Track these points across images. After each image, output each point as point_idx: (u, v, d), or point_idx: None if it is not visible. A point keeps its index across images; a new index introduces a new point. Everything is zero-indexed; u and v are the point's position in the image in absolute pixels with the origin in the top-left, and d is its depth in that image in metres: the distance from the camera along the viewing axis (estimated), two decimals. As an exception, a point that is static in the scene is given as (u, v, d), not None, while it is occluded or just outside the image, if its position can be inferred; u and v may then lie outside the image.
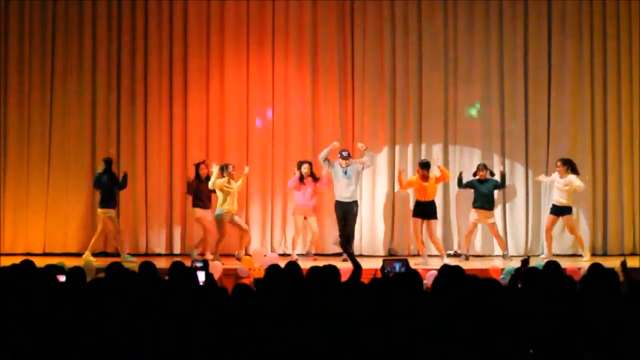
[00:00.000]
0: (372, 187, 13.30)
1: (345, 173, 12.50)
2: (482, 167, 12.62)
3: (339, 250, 12.81)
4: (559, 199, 12.32)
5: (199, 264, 7.96)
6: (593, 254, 12.96)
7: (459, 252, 12.71)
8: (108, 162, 12.45)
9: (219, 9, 13.39)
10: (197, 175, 12.53)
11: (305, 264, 7.28)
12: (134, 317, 5.16)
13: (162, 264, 9.07)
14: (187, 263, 7.31)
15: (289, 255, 12.55)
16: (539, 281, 5.99)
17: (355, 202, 12.63)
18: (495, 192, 12.67)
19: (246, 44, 13.36)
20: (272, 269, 6.49)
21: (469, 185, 12.59)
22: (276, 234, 13.42)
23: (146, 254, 12.98)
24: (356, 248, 12.75)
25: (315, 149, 13.27)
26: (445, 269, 6.16)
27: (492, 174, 12.66)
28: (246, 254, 12.36)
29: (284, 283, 6.08)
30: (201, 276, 7.27)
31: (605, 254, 13.10)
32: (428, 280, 9.50)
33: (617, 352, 4.70)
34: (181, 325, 5.04)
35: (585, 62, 13.25)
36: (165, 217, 13.33)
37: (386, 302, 5.19)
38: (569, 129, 13.27)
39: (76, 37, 13.29)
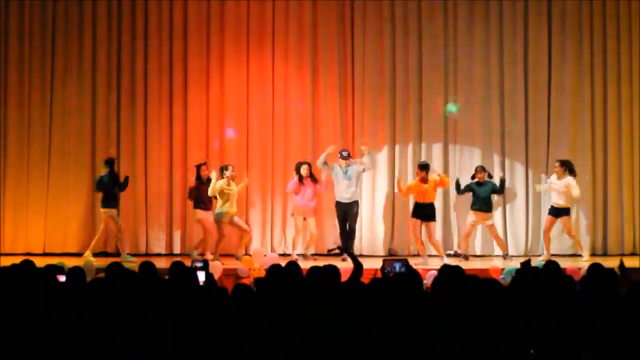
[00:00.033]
0: (372, 187, 13.30)
1: (345, 174, 12.51)
2: (481, 169, 12.61)
3: (334, 247, 12.82)
4: (557, 200, 12.31)
5: (199, 264, 7.97)
6: (593, 254, 12.97)
7: (459, 252, 12.71)
8: (110, 162, 12.44)
9: (219, 9, 13.39)
10: (199, 176, 12.53)
11: (305, 264, 7.29)
12: (134, 317, 5.15)
13: (162, 264, 9.07)
14: (187, 263, 7.32)
15: (289, 255, 12.55)
16: (538, 281, 5.99)
17: (355, 202, 12.64)
18: (494, 195, 12.66)
19: (246, 44, 13.36)
20: (274, 268, 6.49)
21: (468, 189, 12.59)
22: (276, 234, 13.42)
23: (146, 254, 12.98)
24: (356, 248, 12.75)
25: (315, 148, 13.27)
26: (445, 269, 6.16)
27: (490, 176, 12.65)
28: (246, 253, 12.37)
29: (285, 283, 6.08)
30: (201, 276, 7.27)
31: (605, 254, 13.10)
32: (428, 280, 9.51)
33: (617, 352, 4.70)
34: (181, 325, 5.04)
35: (585, 62, 13.25)
36: (165, 217, 13.33)
37: (386, 302, 5.19)
38: (569, 129, 13.27)
39: (76, 37, 13.29)
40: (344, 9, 13.39)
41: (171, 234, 13.36)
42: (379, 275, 8.00)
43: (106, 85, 13.32)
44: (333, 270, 6.28)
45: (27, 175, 13.26)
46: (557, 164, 12.42)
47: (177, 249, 13.32)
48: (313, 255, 12.77)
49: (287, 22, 13.37)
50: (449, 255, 12.37)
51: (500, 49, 13.34)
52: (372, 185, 13.29)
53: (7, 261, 9.17)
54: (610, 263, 9.55)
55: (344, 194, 12.54)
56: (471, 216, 12.56)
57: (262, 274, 10.80)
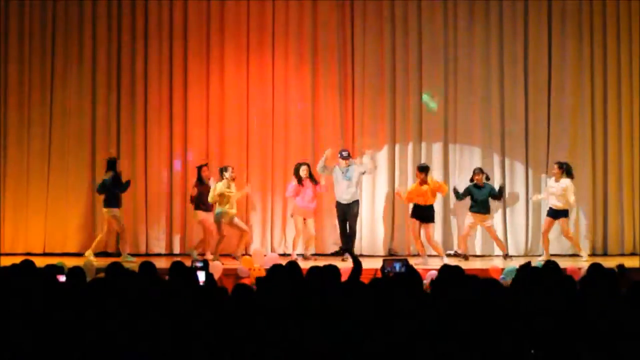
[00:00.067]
0: (372, 187, 13.30)
1: (345, 175, 12.51)
2: (479, 171, 12.61)
3: (336, 249, 12.84)
4: (555, 202, 12.30)
5: (199, 264, 7.96)
6: (593, 254, 12.96)
7: (459, 252, 12.71)
8: (112, 162, 12.43)
9: (219, 9, 13.39)
10: (200, 177, 12.53)
11: (305, 264, 7.29)
12: (134, 317, 5.15)
13: (162, 264, 9.07)
14: (187, 263, 7.31)
15: (289, 255, 12.55)
16: (538, 281, 5.99)
17: (355, 202, 12.65)
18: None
19: (246, 44, 13.36)
20: (275, 268, 6.49)
21: (467, 193, 12.57)
22: (276, 234, 13.42)
23: (146, 254, 12.98)
24: (356, 248, 12.74)
25: (315, 148, 13.28)
26: (445, 269, 6.17)
27: (488, 178, 12.63)
28: (246, 253, 12.37)
29: (286, 283, 6.09)
30: (201, 276, 7.27)
31: (605, 254, 13.09)
32: (428, 280, 9.51)
33: (617, 352, 4.70)
34: (181, 325, 5.04)
35: (585, 62, 13.25)
36: (165, 217, 13.33)
37: (386, 302, 5.19)
38: (569, 129, 13.27)
39: (76, 37, 13.29)
40: (344, 9, 13.39)
41: (171, 234, 13.36)
42: (379, 275, 8.00)
43: (106, 85, 13.32)
44: (333, 270, 6.28)
45: (27, 175, 13.26)
46: (555, 166, 12.42)
47: (177, 249, 13.32)
48: (313, 255, 12.77)
49: (287, 22, 13.37)
50: (449, 255, 12.37)
51: (500, 49, 13.33)
52: (372, 185, 13.29)
53: (7, 261, 9.16)
54: (610, 263, 9.56)
55: (343, 195, 12.55)
56: (469, 218, 12.56)
57: (262, 273, 10.81)
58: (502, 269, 10.81)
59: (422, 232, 12.32)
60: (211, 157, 13.15)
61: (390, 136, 13.37)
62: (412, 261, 9.18)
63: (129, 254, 12.40)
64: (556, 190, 12.25)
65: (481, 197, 12.45)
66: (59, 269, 7.25)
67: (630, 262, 11.59)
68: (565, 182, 12.23)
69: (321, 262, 6.81)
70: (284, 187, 13.05)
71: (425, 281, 7.78)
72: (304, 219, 12.60)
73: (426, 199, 12.20)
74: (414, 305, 5.21)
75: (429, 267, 11.01)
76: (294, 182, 12.55)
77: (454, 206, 13.14)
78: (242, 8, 13.36)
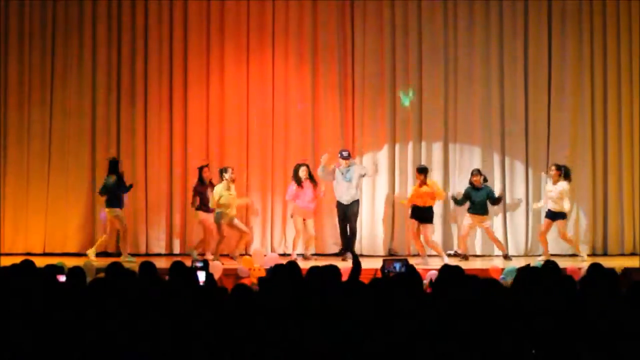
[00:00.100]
0: (372, 187, 13.30)
1: (345, 176, 12.51)
2: (477, 172, 12.61)
3: (337, 249, 12.84)
4: (553, 204, 12.30)
5: (199, 264, 7.97)
6: (593, 254, 12.97)
7: (459, 252, 12.71)
8: (114, 162, 12.43)
9: (219, 9, 13.39)
10: (201, 178, 12.53)
11: (305, 264, 7.28)
12: (134, 317, 5.15)
13: (162, 264, 9.06)
14: (187, 263, 7.31)
15: (289, 255, 12.55)
16: (538, 281, 5.99)
17: (356, 202, 12.66)
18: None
19: (246, 43, 13.36)
20: (278, 268, 6.49)
21: (465, 198, 12.57)
22: (276, 234, 13.41)
23: (146, 254, 12.98)
24: (356, 248, 12.74)
25: (315, 148, 13.28)
26: (445, 269, 6.17)
27: (486, 180, 12.62)
28: (246, 253, 12.37)
29: (287, 283, 6.09)
30: (201, 276, 7.27)
31: (605, 254, 13.09)
32: (428, 280, 9.51)
33: (617, 352, 4.70)
34: (181, 325, 5.04)
35: (585, 62, 13.25)
36: (165, 217, 13.33)
37: (386, 302, 5.19)
38: (569, 128, 13.27)
39: (76, 37, 13.29)
40: (344, 9, 13.39)
41: (171, 234, 13.36)
42: (379, 275, 8.00)
43: (106, 85, 13.32)
44: (333, 270, 6.28)
45: (27, 175, 13.26)
46: (553, 168, 12.41)
47: (177, 249, 13.32)
48: (313, 255, 12.77)
49: (287, 22, 13.37)
50: (449, 255, 12.37)
51: (500, 49, 13.33)
52: (372, 185, 13.28)
53: (7, 261, 9.16)
54: (610, 263, 9.58)
55: (344, 196, 12.56)
56: (467, 219, 12.57)
57: (262, 274, 10.81)
58: (502, 269, 10.81)
59: (421, 232, 12.32)
60: (211, 157, 13.16)
61: (390, 136, 13.37)
62: (412, 261, 9.18)
63: (129, 254, 12.40)
64: (554, 193, 12.25)
65: (479, 199, 12.45)
66: (59, 269, 7.25)
67: (630, 262, 11.62)
68: (562, 185, 12.21)
69: (321, 262, 6.80)
70: (284, 187, 13.04)
71: (425, 281, 7.78)
72: (304, 220, 12.59)
73: (425, 200, 12.19)
74: (414, 305, 5.21)
75: (429, 267, 11.02)
76: (294, 185, 12.53)
77: (454, 207, 13.13)
78: (242, 8, 13.36)
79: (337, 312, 5.08)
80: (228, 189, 12.15)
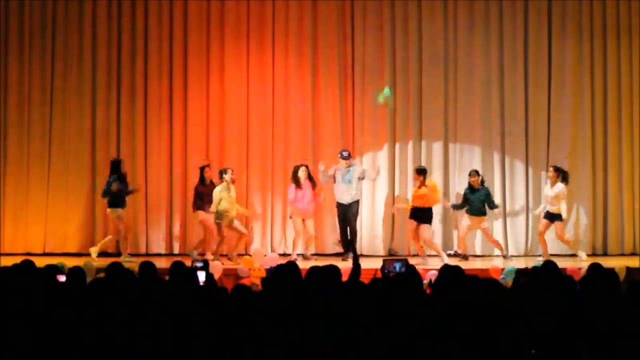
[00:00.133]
0: (372, 187, 13.29)
1: (345, 178, 12.51)
2: (474, 173, 12.60)
3: (339, 250, 12.84)
4: (551, 206, 12.30)
5: (199, 264, 7.97)
6: (593, 254, 12.97)
7: (458, 252, 12.71)
8: (116, 164, 12.43)
9: (219, 8, 13.39)
10: (202, 178, 12.53)
11: (305, 264, 7.28)
12: (134, 317, 5.15)
13: (162, 264, 9.06)
14: (187, 263, 7.31)
15: (289, 255, 12.55)
16: (538, 281, 6.00)
17: (356, 202, 12.66)
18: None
19: (246, 43, 13.36)
20: (279, 268, 6.49)
21: (464, 202, 12.56)
22: (276, 234, 13.42)
23: (146, 254, 12.98)
24: (356, 248, 12.73)
25: (315, 148, 13.29)
26: (445, 269, 6.17)
27: (483, 181, 12.61)
28: (246, 253, 12.37)
29: (289, 283, 6.09)
30: (201, 276, 7.27)
31: (605, 254, 13.09)
32: (427, 281, 9.51)
33: (617, 352, 4.70)
34: (181, 325, 5.04)
35: (585, 62, 13.25)
36: (165, 217, 13.33)
37: (386, 302, 5.19)
38: (569, 128, 13.27)
39: (76, 37, 13.29)
40: (344, 9, 13.39)
41: (171, 234, 13.36)
42: (379, 275, 8.00)
43: (106, 85, 13.31)
44: (333, 270, 6.28)
45: (27, 175, 13.26)
46: (551, 169, 12.41)
47: (177, 249, 13.32)
48: (313, 255, 12.77)
49: (287, 22, 13.37)
50: (449, 255, 12.37)
51: (500, 49, 13.33)
52: (373, 185, 13.28)
53: (7, 261, 9.17)
54: (611, 263, 9.59)
55: (344, 196, 12.57)
56: (466, 220, 12.57)
57: (263, 273, 10.81)
58: (502, 269, 10.82)
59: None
60: (211, 157, 13.15)
61: (390, 136, 13.37)
62: (412, 261, 9.18)
63: (129, 254, 12.40)
64: (551, 195, 12.25)
65: (476, 200, 12.45)
66: (59, 269, 7.25)
67: (630, 262, 11.61)
68: (559, 187, 12.21)
69: (321, 262, 6.80)
70: (284, 187, 13.04)
71: (425, 281, 7.78)
72: (303, 220, 12.59)
73: (424, 201, 12.18)
74: (414, 305, 5.21)
75: (429, 267, 11.02)
76: (293, 186, 12.53)
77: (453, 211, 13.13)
78: (242, 8, 13.36)
79: (338, 312, 5.08)
80: (228, 190, 12.13)
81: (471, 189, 12.52)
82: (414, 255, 12.51)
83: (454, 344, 4.63)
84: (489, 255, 12.99)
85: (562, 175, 12.27)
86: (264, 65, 13.37)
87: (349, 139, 13.32)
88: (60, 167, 13.27)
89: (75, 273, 6.68)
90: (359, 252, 12.40)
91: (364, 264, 7.94)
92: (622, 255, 13.04)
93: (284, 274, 6.33)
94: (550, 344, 4.83)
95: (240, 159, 13.27)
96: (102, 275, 7.08)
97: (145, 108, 13.32)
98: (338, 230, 12.76)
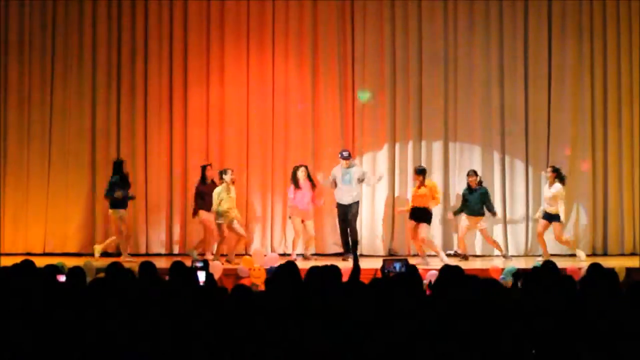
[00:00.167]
0: (372, 187, 13.29)
1: (345, 179, 12.51)
2: (472, 173, 12.60)
3: (339, 250, 12.84)
4: (549, 206, 12.31)
5: (199, 264, 7.97)
6: (593, 254, 12.97)
7: (458, 252, 12.72)
8: (118, 164, 12.43)
9: (219, 8, 13.39)
10: (203, 177, 12.53)
11: (305, 264, 7.28)
12: (134, 317, 5.15)
13: (162, 264, 9.06)
14: (187, 263, 7.31)
15: (289, 255, 12.55)
16: (538, 280, 5.99)
17: (356, 203, 12.65)
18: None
19: (246, 43, 13.36)
20: (279, 269, 6.49)
21: (462, 205, 12.57)
22: (276, 234, 13.42)
23: (146, 254, 12.98)
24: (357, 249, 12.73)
25: (315, 148, 13.29)
26: (445, 269, 6.17)
27: (481, 182, 12.60)
28: (246, 253, 12.37)
29: (289, 283, 6.09)
30: (201, 276, 7.27)
31: (605, 254, 13.09)
32: (428, 281, 9.51)
33: (617, 352, 4.70)
34: (181, 325, 5.04)
35: (585, 62, 13.25)
36: (165, 217, 13.34)
37: (386, 302, 5.19)
38: (569, 128, 13.28)
39: (76, 37, 13.29)
40: (344, 9, 13.39)
41: (171, 234, 13.36)
42: (379, 275, 8.00)
43: (106, 85, 13.32)
44: (333, 270, 6.28)
45: (27, 175, 13.27)
46: (549, 170, 12.43)
47: (177, 249, 13.32)
48: (313, 255, 12.77)
49: (287, 22, 13.37)
50: (448, 255, 12.37)
51: (500, 49, 13.33)
52: (373, 185, 13.27)
53: (7, 261, 9.17)
54: (611, 263, 9.59)
55: (344, 197, 12.56)
56: (464, 220, 12.57)
57: (263, 273, 10.82)
58: (502, 269, 10.82)
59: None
60: (211, 157, 13.15)
61: (390, 136, 13.37)
62: (412, 261, 9.18)
63: (129, 254, 12.40)
64: (549, 195, 12.26)
65: (473, 200, 12.45)
66: (59, 269, 7.25)
67: (630, 262, 11.62)
68: (557, 187, 12.22)
69: (321, 262, 6.80)
70: (284, 187, 13.04)
71: (425, 281, 7.78)
72: (302, 220, 12.58)
73: (424, 201, 12.17)
74: (414, 305, 5.21)
75: (429, 267, 11.02)
76: (292, 186, 12.53)
77: (456, 205, 13.13)
78: (242, 8, 13.36)
79: (338, 312, 5.08)
80: (228, 191, 12.12)
81: (469, 189, 12.53)
82: (414, 255, 12.51)
83: (454, 344, 4.63)
84: (489, 255, 12.99)
85: (559, 175, 12.28)
86: (264, 65, 13.37)
87: (349, 139, 13.32)
88: (60, 167, 13.28)
89: (75, 273, 6.68)
90: (359, 252, 12.44)
91: (364, 264, 7.93)
92: (622, 255, 13.04)
93: (283, 274, 6.32)
94: (550, 344, 4.83)
95: (240, 159, 13.27)
96: (102, 275, 7.09)
97: (145, 108, 13.32)
98: (338, 231, 12.75)
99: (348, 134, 13.37)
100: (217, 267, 10.81)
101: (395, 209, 13.03)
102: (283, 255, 12.65)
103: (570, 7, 13.27)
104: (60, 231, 13.21)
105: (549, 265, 6.65)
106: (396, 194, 13.30)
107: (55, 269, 7.05)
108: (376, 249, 13.22)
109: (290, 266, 6.59)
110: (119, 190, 12.21)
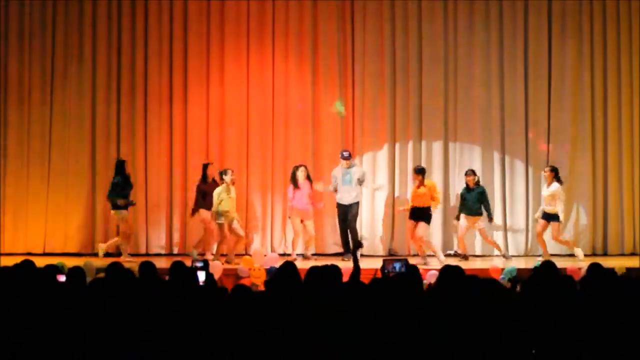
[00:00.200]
0: (372, 188, 13.29)
1: (345, 179, 12.50)
2: (470, 172, 12.60)
3: (339, 250, 12.84)
4: (547, 206, 12.31)
5: (199, 264, 7.97)
6: (593, 254, 12.97)
7: (458, 252, 12.72)
8: (120, 164, 12.44)
9: (219, 9, 13.39)
10: (205, 175, 12.53)
11: (305, 264, 7.28)
12: (134, 317, 5.15)
13: (162, 264, 9.07)
14: (187, 263, 7.31)
15: (289, 255, 12.55)
16: (538, 280, 5.99)
17: (356, 203, 12.65)
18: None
19: (246, 43, 13.36)
20: (280, 268, 6.49)
21: (461, 201, 12.57)
22: (276, 234, 13.42)
23: (146, 254, 12.98)
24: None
25: (315, 148, 13.29)
26: (445, 269, 6.17)
27: (478, 181, 12.59)
28: (246, 253, 12.37)
29: (289, 283, 6.09)
30: (201, 276, 7.27)
31: (605, 254, 13.09)
32: (428, 280, 9.52)
33: (617, 352, 4.70)
34: (181, 325, 5.04)
35: (585, 62, 13.25)
36: (165, 217, 13.33)
37: (386, 302, 5.19)
38: (569, 128, 13.27)
39: (76, 37, 13.29)
40: (344, 9, 13.39)
41: (171, 234, 13.36)
42: (379, 275, 8.00)
43: (106, 85, 13.32)
44: (333, 270, 6.28)
45: (27, 175, 13.26)
46: (547, 169, 12.43)
47: (177, 249, 13.32)
48: (313, 255, 12.76)
49: (287, 22, 13.37)
50: (448, 255, 12.37)
51: (500, 49, 13.33)
52: (371, 187, 13.28)
53: (7, 261, 9.17)
54: (611, 263, 9.59)
55: (344, 198, 12.56)
56: (463, 220, 12.57)
57: (263, 273, 10.81)
58: (502, 269, 10.82)
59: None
60: (211, 157, 13.15)
61: (390, 136, 13.37)
62: (412, 261, 9.18)
63: (129, 254, 12.40)
64: (547, 195, 12.26)
65: (470, 200, 12.45)
66: (59, 269, 7.26)
67: (630, 262, 11.61)
68: (555, 187, 12.22)
69: (321, 262, 6.79)
70: (284, 187, 13.04)
71: (425, 281, 7.78)
72: (302, 220, 12.58)
73: (423, 201, 12.17)
74: (414, 305, 5.21)
75: (429, 267, 11.02)
76: (291, 186, 12.53)
77: (456, 205, 13.13)
78: (242, 8, 13.36)
79: (338, 312, 5.08)
80: (228, 191, 12.12)
81: (467, 188, 12.53)
82: (414, 255, 12.52)
83: (454, 344, 4.63)
84: (489, 255, 12.99)
85: (556, 175, 12.29)
86: (264, 65, 13.36)
87: (349, 139, 13.32)
88: (60, 167, 13.27)
89: (75, 273, 6.68)
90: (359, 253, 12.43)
91: (364, 264, 7.93)
92: (622, 255, 13.05)
93: (283, 274, 6.32)
94: (550, 344, 4.83)
95: (240, 159, 13.27)
96: (102, 275, 7.09)
97: (145, 108, 13.32)
98: (338, 231, 12.75)
99: (348, 134, 13.37)
100: (217, 267, 10.81)
101: (396, 209, 13.03)
102: (283, 255, 12.65)
103: (570, 7, 13.27)
104: (60, 231, 13.21)
105: (548, 266, 6.65)
106: (396, 194, 13.30)
107: (55, 269, 7.06)
108: (376, 249, 13.22)
109: (290, 266, 6.59)
110: (121, 199, 12.22)
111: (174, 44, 13.32)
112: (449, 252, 12.68)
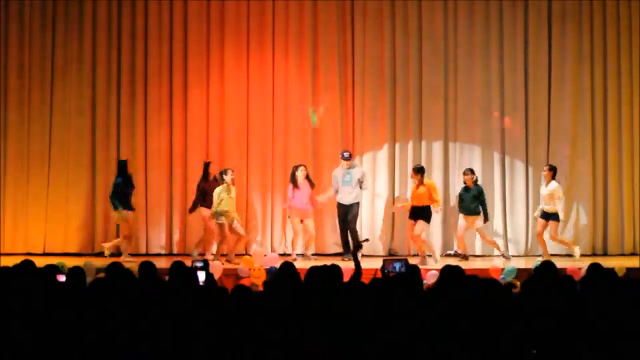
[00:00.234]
0: (372, 187, 13.29)
1: (345, 179, 12.50)
2: (468, 171, 12.60)
3: (339, 250, 12.84)
4: (546, 205, 12.31)
5: (199, 264, 7.98)
6: (593, 254, 12.97)
7: (458, 252, 12.72)
8: (122, 164, 12.44)
9: (219, 9, 13.39)
10: (206, 174, 12.53)
11: (305, 264, 7.28)
12: (134, 317, 5.16)
13: (162, 264, 9.06)
14: (187, 263, 7.31)
15: (289, 255, 12.55)
16: (537, 280, 6.00)
17: (356, 203, 12.65)
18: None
19: (246, 43, 13.36)
20: (280, 268, 6.49)
21: (460, 201, 12.57)
22: (276, 234, 13.41)
23: (146, 254, 12.98)
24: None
25: (315, 148, 13.29)
26: (445, 269, 6.17)
27: (476, 181, 12.59)
28: (246, 253, 12.36)
29: (289, 283, 6.09)
30: (201, 276, 7.28)
31: (605, 254, 13.09)
32: (428, 280, 9.52)
33: (617, 352, 4.70)
34: (181, 325, 5.04)
35: (585, 62, 13.24)
36: (165, 217, 13.33)
37: (386, 302, 5.19)
38: (569, 128, 13.27)
39: (76, 37, 13.29)
40: (344, 9, 13.38)
41: (171, 234, 13.36)
42: (379, 275, 8.00)
43: (106, 85, 13.31)
44: (334, 270, 6.28)
45: (27, 175, 13.26)
46: (546, 169, 12.43)
47: (177, 249, 13.32)
48: (313, 255, 12.76)
49: (287, 22, 13.37)
50: (448, 255, 12.37)
51: (500, 49, 13.33)
52: (372, 185, 13.28)
53: (7, 261, 9.17)
54: (610, 263, 9.59)
55: (344, 198, 12.56)
56: (462, 220, 12.57)
57: (263, 273, 10.81)
58: (502, 269, 10.82)
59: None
60: (211, 157, 13.14)
61: (390, 136, 13.36)
62: (412, 261, 9.18)
63: (129, 254, 12.40)
64: (546, 194, 12.26)
65: (468, 199, 12.45)
66: (59, 269, 7.26)
67: (630, 262, 11.61)
68: (553, 185, 12.22)
69: (321, 262, 6.80)
70: (284, 187, 13.03)
71: (425, 281, 7.78)
72: (301, 220, 12.58)
73: (422, 200, 12.16)
74: (414, 305, 5.21)
75: (429, 267, 11.02)
76: (291, 186, 12.53)
77: (456, 205, 13.13)
78: (242, 8, 13.36)
79: (338, 312, 5.08)
80: (228, 191, 12.12)
81: (466, 188, 12.53)
82: (414, 255, 12.51)
83: (454, 344, 4.63)
84: (489, 255, 12.98)
85: (555, 174, 12.29)
86: (264, 65, 13.36)
87: (349, 139, 13.32)
88: (60, 167, 13.27)
89: (75, 273, 6.68)
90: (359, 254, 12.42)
91: (364, 264, 7.92)
92: (622, 255, 13.04)
93: (283, 274, 6.32)
94: (550, 344, 4.83)
95: (240, 159, 13.26)
96: (102, 275, 7.09)
97: (145, 108, 13.32)
98: (338, 231, 12.75)
99: (348, 134, 13.37)
100: (217, 267, 10.80)
101: (395, 208, 13.02)
102: (283, 255, 12.64)
103: (570, 7, 13.26)
104: (60, 231, 13.20)
105: (548, 266, 6.65)
106: (396, 194, 13.30)
107: (55, 269, 7.06)
108: (376, 249, 13.21)
109: (289, 267, 6.60)
110: (123, 210, 12.22)
111: (174, 44, 13.32)
112: (448, 252, 12.67)
